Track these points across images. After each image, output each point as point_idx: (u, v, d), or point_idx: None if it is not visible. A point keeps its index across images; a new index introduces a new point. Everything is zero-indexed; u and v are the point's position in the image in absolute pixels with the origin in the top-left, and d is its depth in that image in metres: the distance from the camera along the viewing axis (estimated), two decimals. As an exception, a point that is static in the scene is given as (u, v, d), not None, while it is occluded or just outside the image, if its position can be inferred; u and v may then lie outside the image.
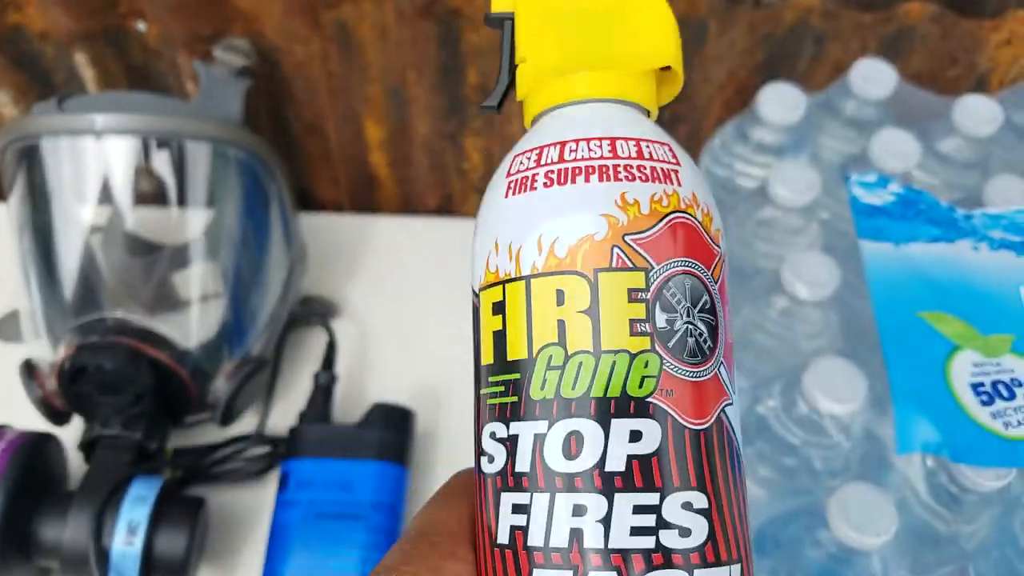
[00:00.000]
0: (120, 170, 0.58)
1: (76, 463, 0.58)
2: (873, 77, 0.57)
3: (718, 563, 0.22)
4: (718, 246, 0.24)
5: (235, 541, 0.60)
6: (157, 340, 0.57)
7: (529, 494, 0.22)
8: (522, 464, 0.22)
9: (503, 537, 0.22)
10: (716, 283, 0.24)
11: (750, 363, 0.53)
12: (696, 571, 0.21)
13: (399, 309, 0.72)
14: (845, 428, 0.45)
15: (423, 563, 0.23)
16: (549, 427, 0.22)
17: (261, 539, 0.60)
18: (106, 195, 0.58)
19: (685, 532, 0.21)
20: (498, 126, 0.70)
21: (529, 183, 0.24)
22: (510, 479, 0.23)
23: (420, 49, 0.65)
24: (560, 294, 0.22)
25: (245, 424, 0.63)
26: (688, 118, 0.71)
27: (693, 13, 0.62)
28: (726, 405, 0.23)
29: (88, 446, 0.56)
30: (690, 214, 0.23)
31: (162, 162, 0.59)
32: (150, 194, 0.61)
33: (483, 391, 0.24)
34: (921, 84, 0.65)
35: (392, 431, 0.60)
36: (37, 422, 0.57)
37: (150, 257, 0.62)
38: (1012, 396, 0.42)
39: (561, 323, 0.22)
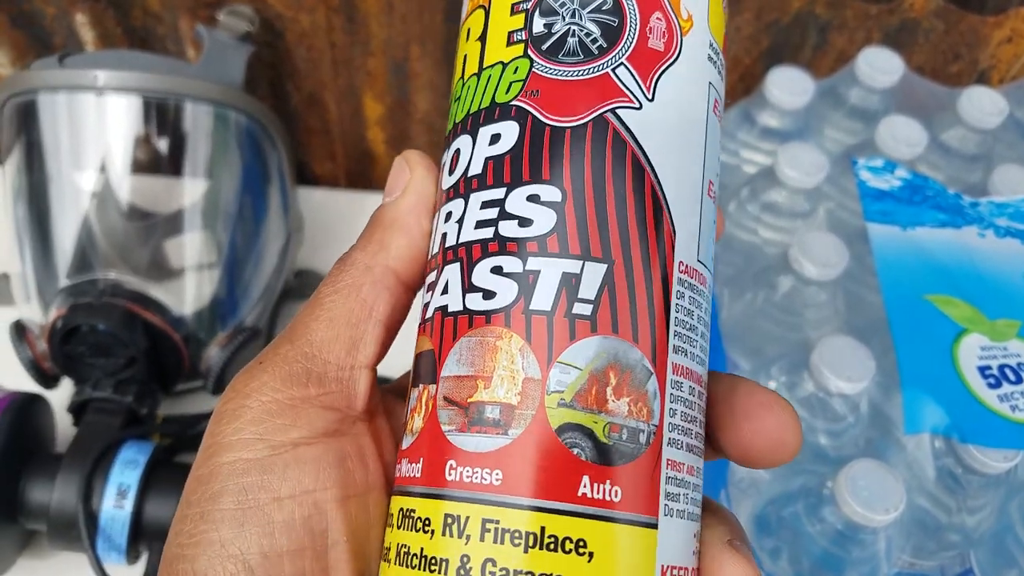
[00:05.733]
0: (120, 129, 0.57)
1: (65, 427, 0.57)
2: (880, 65, 0.58)
3: (565, 255, 0.21)
4: None
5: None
6: (151, 303, 0.56)
7: (435, 222, 0.24)
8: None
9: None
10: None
11: (753, 345, 0.53)
12: (531, 258, 0.21)
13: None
14: (853, 407, 0.45)
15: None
16: (445, 151, 0.24)
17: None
18: (105, 154, 0.57)
19: (526, 222, 0.21)
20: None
21: None
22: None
23: (425, 23, 0.64)
24: (468, 32, 0.24)
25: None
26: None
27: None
28: (619, 107, 0.22)
29: (78, 409, 0.55)
30: None
31: (163, 123, 0.58)
32: (149, 158, 0.60)
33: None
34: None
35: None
36: (26, 385, 0.56)
37: (146, 221, 0.60)
38: (1019, 380, 0.43)
39: (465, 57, 0.24)
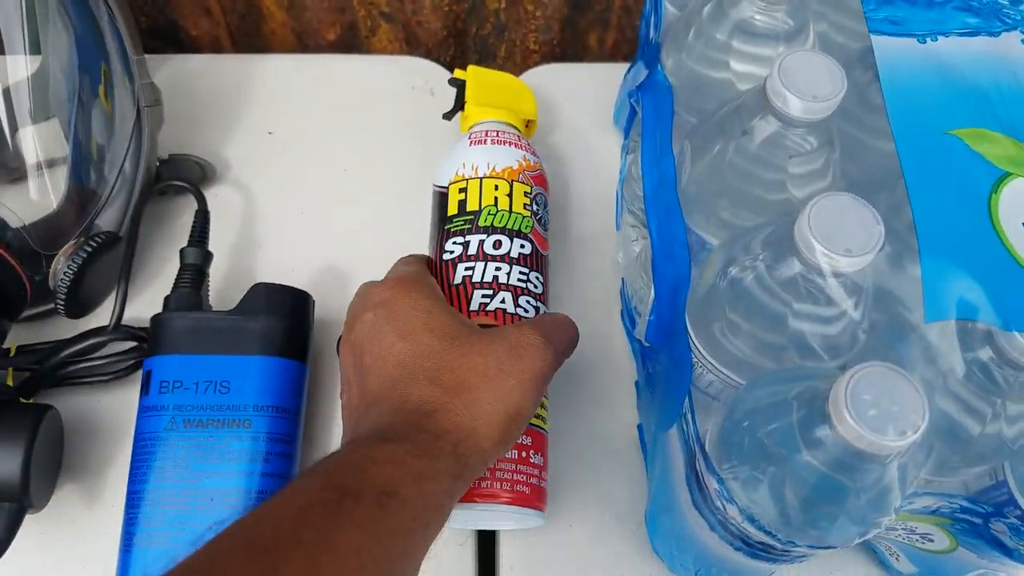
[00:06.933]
0: None
1: None
2: None
3: (545, 303, 0.49)
4: (547, 188, 0.53)
5: (101, 453, 0.50)
6: (-33, 216, 0.45)
7: (474, 263, 0.47)
8: (471, 250, 0.47)
9: (458, 280, 0.46)
10: (548, 205, 0.52)
11: (724, 216, 0.41)
12: (538, 302, 0.48)
13: (292, 171, 0.59)
14: (855, 290, 0.33)
15: (410, 281, 0.43)
16: (487, 236, 0.48)
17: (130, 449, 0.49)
18: None
19: (536, 286, 0.48)
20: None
21: (483, 141, 0.51)
22: (464, 257, 0.47)
23: None
24: (496, 186, 0.49)
25: (105, 316, 0.52)
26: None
27: None
28: (546, 254, 0.50)
29: None
30: (542, 171, 0.52)
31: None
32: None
33: (447, 226, 0.49)
34: None
35: (281, 318, 0.49)
36: None
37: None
38: (1084, 238, 0.31)
39: (496, 197, 0.49)
